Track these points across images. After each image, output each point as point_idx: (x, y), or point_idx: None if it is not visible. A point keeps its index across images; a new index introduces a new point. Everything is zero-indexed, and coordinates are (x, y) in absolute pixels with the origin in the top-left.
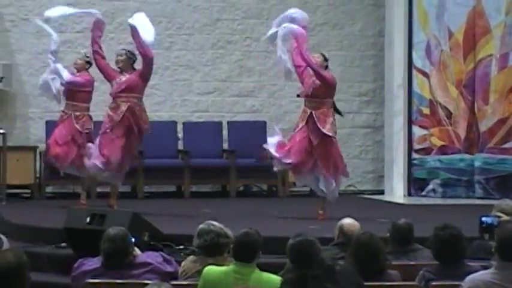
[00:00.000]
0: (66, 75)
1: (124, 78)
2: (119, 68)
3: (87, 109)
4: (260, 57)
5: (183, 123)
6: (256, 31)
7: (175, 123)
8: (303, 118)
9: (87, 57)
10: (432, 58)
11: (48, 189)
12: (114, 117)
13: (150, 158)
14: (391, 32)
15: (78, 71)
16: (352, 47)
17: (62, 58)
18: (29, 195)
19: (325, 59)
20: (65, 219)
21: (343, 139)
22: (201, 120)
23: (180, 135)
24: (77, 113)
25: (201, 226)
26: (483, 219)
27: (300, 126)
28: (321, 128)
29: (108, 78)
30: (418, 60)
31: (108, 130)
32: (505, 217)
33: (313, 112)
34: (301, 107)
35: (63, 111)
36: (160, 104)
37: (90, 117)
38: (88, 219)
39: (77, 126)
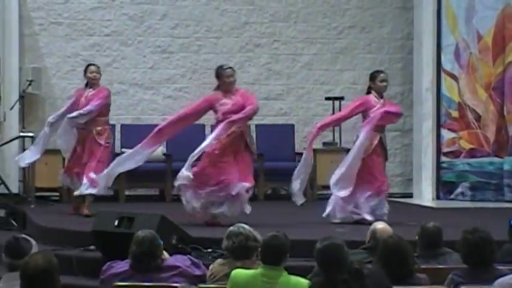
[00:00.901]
0: (78, 112)
1: (230, 101)
2: (228, 89)
3: (107, 122)
4: (288, 61)
5: (211, 126)
6: (284, 34)
7: (203, 126)
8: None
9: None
10: (461, 61)
11: (77, 192)
12: (222, 140)
13: (178, 161)
14: (419, 35)
15: (94, 85)
16: (380, 50)
17: (90, 61)
18: (57, 198)
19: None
20: (94, 222)
21: None
22: None
23: None
24: (98, 128)
25: (231, 228)
26: None
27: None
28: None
29: (209, 110)
30: (447, 63)
31: (216, 151)
32: None
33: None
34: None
35: (82, 128)
36: None
37: (111, 129)
38: (116, 222)
39: (99, 141)
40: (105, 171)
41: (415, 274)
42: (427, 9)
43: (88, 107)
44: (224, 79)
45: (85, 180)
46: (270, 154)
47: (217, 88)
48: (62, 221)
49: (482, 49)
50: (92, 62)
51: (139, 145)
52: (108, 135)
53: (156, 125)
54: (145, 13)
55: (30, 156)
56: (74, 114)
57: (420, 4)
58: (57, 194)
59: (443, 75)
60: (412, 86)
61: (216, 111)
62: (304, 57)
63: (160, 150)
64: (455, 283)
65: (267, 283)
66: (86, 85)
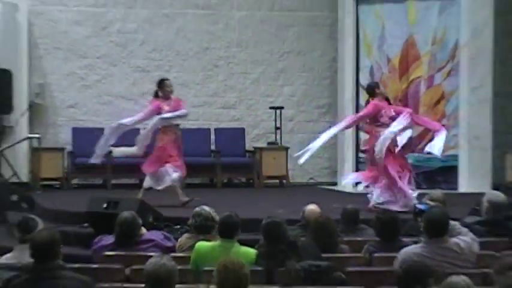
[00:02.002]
0: (175, 114)
1: (392, 108)
2: (385, 96)
3: None
4: (240, 78)
5: (181, 130)
6: (237, 57)
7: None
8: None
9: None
10: (375, 79)
11: (74, 181)
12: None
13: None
14: (342, 58)
15: (169, 97)
16: (312, 70)
17: (84, 78)
18: (58, 186)
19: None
20: (87, 205)
21: (306, 142)
22: (193, 127)
23: None
24: (179, 132)
25: (196, 209)
26: (417, 206)
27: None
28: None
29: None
30: (364, 80)
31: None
32: (432, 203)
33: None
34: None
35: (167, 130)
36: None
37: None
38: (105, 205)
39: (180, 142)
40: (307, 154)
41: (339, 245)
42: (349, 39)
43: (183, 111)
44: (382, 89)
45: (173, 170)
46: (226, 151)
47: (374, 97)
48: (62, 204)
49: (391, 69)
50: (164, 77)
51: (328, 134)
52: None
53: (135, 129)
54: (128, 40)
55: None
56: (170, 115)
57: (343, 34)
58: (58, 182)
59: (360, 89)
60: (337, 98)
61: (380, 116)
62: (252, 75)
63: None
64: (369, 252)
65: (223, 252)
66: (156, 96)
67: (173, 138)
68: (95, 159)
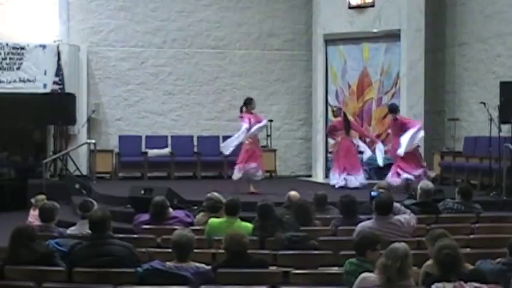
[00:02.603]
0: (264, 124)
1: None
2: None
3: None
4: (241, 99)
5: (197, 137)
6: (238, 84)
7: (192, 137)
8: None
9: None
10: (339, 99)
11: (120, 174)
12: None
13: (179, 156)
14: (315, 85)
15: (252, 112)
16: (293, 93)
17: (128, 99)
18: (108, 178)
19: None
20: (129, 191)
21: (289, 145)
22: (207, 135)
23: (195, 143)
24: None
25: (208, 194)
26: (372, 193)
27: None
28: None
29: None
30: (331, 101)
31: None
32: (381, 190)
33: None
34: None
35: (257, 135)
36: (185, 125)
37: None
38: (143, 191)
39: None
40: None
41: (313, 220)
42: (320, 70)
43: (266, 121)
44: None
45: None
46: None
47: (397, 113)
48: (111, 190)
49: (351, 93)
50: (250, 97)
51: (410, 133)
52: None
53: (164, 136)
54: (159, 71)
55: (231, 147)
56: (261, 124)
57: (316, 67)
58: (108, 175)
59: (329, 108)
60: (311, 113)
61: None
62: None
63: (167, 150)
64: (335, 225)
65: (228, 226)
66: (241, 111)
67: (256, 141)
68: (227, 151)
